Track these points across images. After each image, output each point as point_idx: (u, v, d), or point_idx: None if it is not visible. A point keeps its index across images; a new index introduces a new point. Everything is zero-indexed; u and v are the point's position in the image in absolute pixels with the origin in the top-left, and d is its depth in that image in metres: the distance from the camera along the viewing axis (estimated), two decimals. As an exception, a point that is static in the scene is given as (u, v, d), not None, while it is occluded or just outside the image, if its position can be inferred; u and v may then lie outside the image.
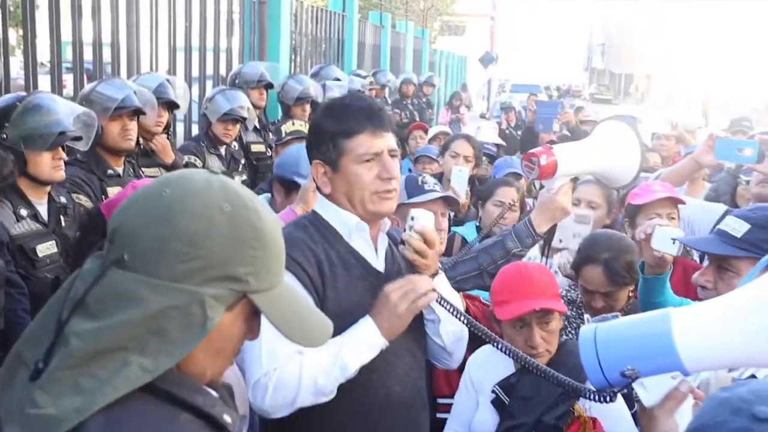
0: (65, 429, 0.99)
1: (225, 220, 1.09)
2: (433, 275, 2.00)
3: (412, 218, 1.98)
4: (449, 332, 2.08)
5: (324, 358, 1.82)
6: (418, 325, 2.07)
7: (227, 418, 1.12)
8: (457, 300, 2.09)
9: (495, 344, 1.94)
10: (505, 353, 1.94)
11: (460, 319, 1.97)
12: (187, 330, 1.06)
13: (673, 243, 2.32)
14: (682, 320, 1.36)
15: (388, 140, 1.98)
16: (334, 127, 1.96)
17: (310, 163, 2.04)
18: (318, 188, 2.05)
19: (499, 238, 2.49)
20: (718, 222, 3.20)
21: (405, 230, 1.99)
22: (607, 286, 2.69)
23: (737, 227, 2.13)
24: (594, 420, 2.15)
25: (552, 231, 2.57)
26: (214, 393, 1.17)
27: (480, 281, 2.54)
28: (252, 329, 1.19)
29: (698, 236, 2.98)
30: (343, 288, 1.95)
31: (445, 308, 1.97)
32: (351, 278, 1.97)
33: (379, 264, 2.04)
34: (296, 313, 1.20)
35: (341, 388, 1.87)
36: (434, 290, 1.93)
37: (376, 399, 1.97)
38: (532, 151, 2.35)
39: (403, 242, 1.98)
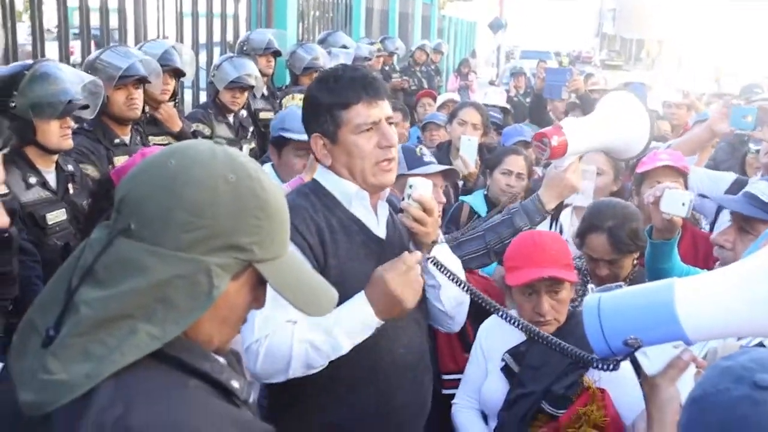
0: (76, 394, 1.01)
1: (229, 189, 1.10)
2: (433, 243, 2.01)
3: (411, 186, 1.99)
4: (450, 297, 2.10)
5: (317, 335, 1.83)
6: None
7: (235, 384, 1.14)
8: (458, 267, 2.10)
9: (496, 311, 1.96)
10: (507, 321, 1.96)
11: (460, 286, 1.99)
12: (194, 298, 1.08)
13: (683, 205, 2.31)
14: (685, 290, 1.37)
15: (384, 108, 1.99)
16: (330, 98, 1.97)
17: (308, 135, 2.05)
18: (318, 161, 2.06)
19: (507, 216, 2.49)
20: (731, 189, 3.21)
21: (403, 199, 2.00)
22: (612, 254, 2.69)
23: (766, 191, 2.20)
24: (603, 391, 2.15)
25: (560, 207, 2.58)
26: (221, 360, 1.19)
27: (486, 260, 2.56)
28: (257, 298, 1.20)
29: (724, 195, 2.97)
30: (344, 255, 1.96)
31: (446, 275, 1.99)
32: (352, 245, 1.99)
33: (380, 231, 2.06)
34: (302, 282, 1.21)
35: (348, 354, 1.89)
36: (432, 257, 1.95)
37: (383, 362, 1.99)
38: (542, 131, 2.35)
39: (401, 210, 1.99)
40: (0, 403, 1.14)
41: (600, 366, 1.55)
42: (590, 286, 2.40)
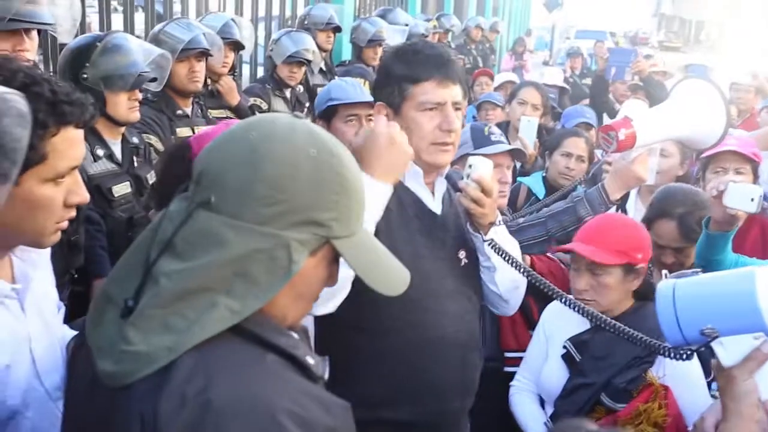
0: (158, 366, 1.02)
1: (310, 165, 1.09)
2: (490, 224, 1.98)
3: (470, 166, 1.96)
4: (505, 280, 2.08)
5: None
6: (473, 269, 2.08)
7: (310, 360, 1.14)
8: (516, 250, 2.08)
9: (556, 296, 1.93)
10: (567, 305, 1.92)
11: (518, 269, 1.96)
12: (272, 273, 1.07)
13: (752, 201, 2.24)
14: (767, 280, 1.32)
15: (454, 92, 1.97)
16: (402, 71, 1.96)
17: (375, 103, 2.05)
18: None
19: (570, 204, 2.46)
20: None
21: (463, 178, 1.98)
22: (680, 242, 2.62)
23: None
24: (667, 388, 2.09)
25: (625, 198, 2.53)
26: (295, 335, 1.19)
27: (545, 247, 2.52)
28: (332, 275, 1.20)
29: None
30: (395, 224, 1.94)
31: (503, 258, 1.96)
32: (403, 217, 1.97)
33: (435, 206, 2.04)
34: (376, 260, 1.21)
35: (396, 327, 1.90)
36: (492, 239, 1.94)
37: (430, 338, 1.98)
38: (609, 123, 2.29)
39: (460, 190, 1.97)
40: (82, 368, 1.16)
41: (673, 355, 1.51)
42: (664, 272, 2.34)
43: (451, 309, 2.01)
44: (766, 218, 3.11)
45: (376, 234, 1.87)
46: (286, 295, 1.12)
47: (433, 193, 2.05)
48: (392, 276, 1.23)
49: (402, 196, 1.98)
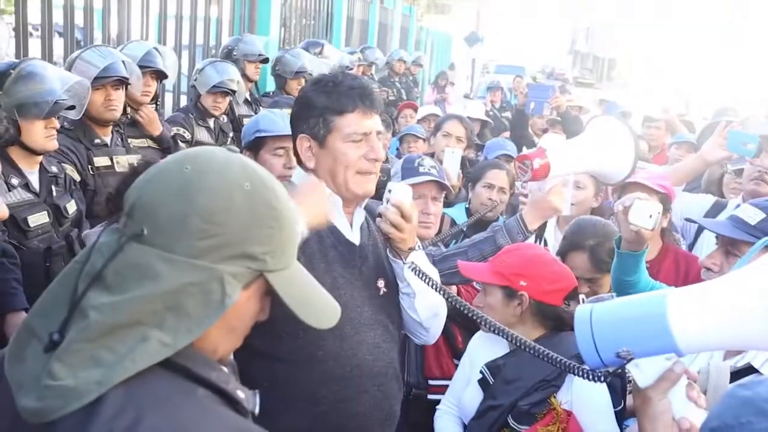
0: (86, 401, 0.99)
1: (244, 198, 1.09)
2: (410, 249, 2.01)
3: (390, 191, 1.99)
4: (425, 307, 2.10)
5: None
6: (392, 298, 2.10)
7: (240, 394, 1.13)
8: (436, 276, 2.10)
9: (477, 318, 1.91)
10: (487, 329, 1.93)
11: (437, 290, 1.98)
12: (206, 306, 1.06)
13: (650, 217, 2.30)
14: (677, 302, 1.36)
15: (376, 121, 2.00)
16: (325, 102, 1.97)
17: (294, 135, 2.05)
18: (300, 162, 2.06)
19: (489, 234, 2.52)
20: (710, 212, 3.23)
21: (383, 203, 2.01)
22: (592, 272, 2.71)
23: (752, 215, 2.24)
24: (569, 414, 2.14)
25: (543, 227, 2.61)
26: (225, 369, 1.17)
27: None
28: (263, 308, 1.19)
29: (711, 219, 2.96)
30: (313, 256, 1.95)
31: (424, 281, 1.97)
32: (322, 246, 1.99)
33: (353, 237, 2.06)
34: (308, 293, 1.21)
35: (314, 357, 1.90)
36: (413, 263, 1.98)
37: (348, 367, 1.98)
38: (525, 153, 2.38)
39: (380, 215, 2.00)
40: (1, 402, 1.11)
41: (590, 377, 1.54)
42: (581, 296, 2.40)
43: (368, 338, 2.02)
44: (679, 248, 3.25)
45: None
46: (217, 329, 1.11)
47: (351, 223, 2.07)
48: (323, 309, 1.23)
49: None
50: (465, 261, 2.50)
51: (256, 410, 1.16)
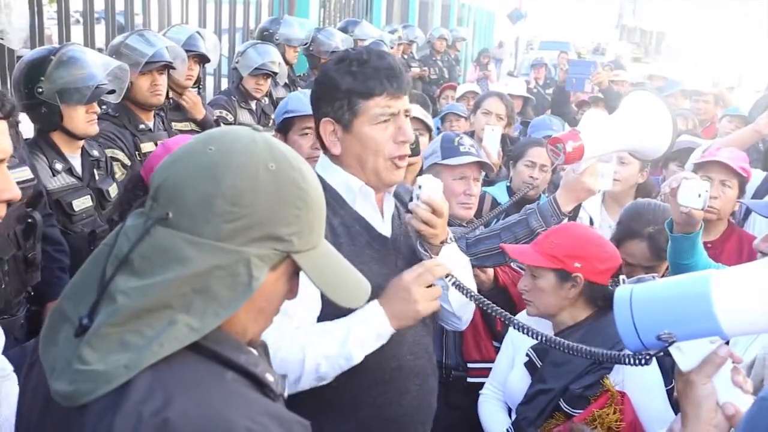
0: (115, 385, 0.99)
1: (270, 178, 1.08)
2: (442, 243, 1.94)
3: (419, 187, 1.88)
4: (457, 299, 2.03)
5: (329, 346, 1.76)
6: None
7: (269, 378, 1.12)
8: (466, 265, 2.05)
9: (503, 318, 1.84)
10: (519, 330, 1.80)
11: (474, 301, 1.90)
12: (233, 289, 1.06)
13: (699, 197, 2.22)
14: (722, 283, 1.31)
15: (405, 101, 1.89)
16: (351, 84, 1.83)
17: (317, 118, 1.92)
18: (324, 147, 1.94)
19: (522, 216, 2.46)
20: (760, 189, 3.13)
21: (412, 199, 1.91)
22: (651, 261, 2.62)
23: None
24: (623, 395, 2.10)
25: (576, 210, 2.54)
26: (254, 352, 1.17)
27: (501, 258, 2.51)
28: (292, 289, 1.19)
29: (760, 202, 2.81)
30: (348, 258, 1.89)
31: (464, 294, 1.90)
32: (356, 247, 1.89)
33: (385, 228, 1.97)
34: (337, 273, 1.20)
35: (355, 366, 1.82)
36: (450, 274, 1.87)
37: (388, 369, 1.93)
38: (556, 136, 2.29)
39: (409, 211, 1.90)
40: (35, 388, 1.13)
41: (631, 362, 1.51)
42: (622, 277, 2.33)
43: (408, 336, 1.95)
44: (744, 230, 3.11)
45: None
46: (246, 311, 1.10)
47: (382, 213, 1.98)
48: (353, 289, 1.22)
49: (350, 224, 1.91)
50: (499, 244, 2.47)
51: (285, 393, 1.16)
